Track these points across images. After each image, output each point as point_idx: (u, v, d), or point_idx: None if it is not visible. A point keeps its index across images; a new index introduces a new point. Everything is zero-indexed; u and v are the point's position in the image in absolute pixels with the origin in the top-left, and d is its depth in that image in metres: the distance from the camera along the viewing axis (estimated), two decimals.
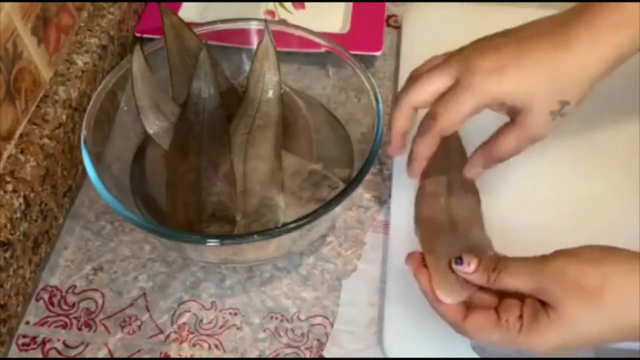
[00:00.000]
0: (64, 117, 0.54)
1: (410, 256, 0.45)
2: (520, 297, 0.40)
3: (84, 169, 0.48)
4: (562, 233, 0.45)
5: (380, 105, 0.51)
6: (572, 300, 0.37)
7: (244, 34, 0.59)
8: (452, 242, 0.46)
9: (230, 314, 0.50)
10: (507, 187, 0.54)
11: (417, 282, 0.43)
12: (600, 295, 0.37)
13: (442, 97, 0.45)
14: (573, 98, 0.44)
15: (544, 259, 0.40)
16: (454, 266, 0.42)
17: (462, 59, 0.45)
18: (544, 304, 0.39)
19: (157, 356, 0.48)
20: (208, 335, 0.49)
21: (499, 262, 0.41)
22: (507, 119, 0.46)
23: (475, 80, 0.44)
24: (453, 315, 0.42)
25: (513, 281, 0.40)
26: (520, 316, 0.39)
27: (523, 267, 0.40)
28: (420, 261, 0.44)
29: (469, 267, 0.42)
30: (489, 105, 0.44)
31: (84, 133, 0.49)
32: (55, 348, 0.48)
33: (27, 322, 0.50)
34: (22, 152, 0.50)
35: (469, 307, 0.42)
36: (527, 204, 0.54)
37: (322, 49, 0.57)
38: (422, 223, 0.49)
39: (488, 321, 0.40)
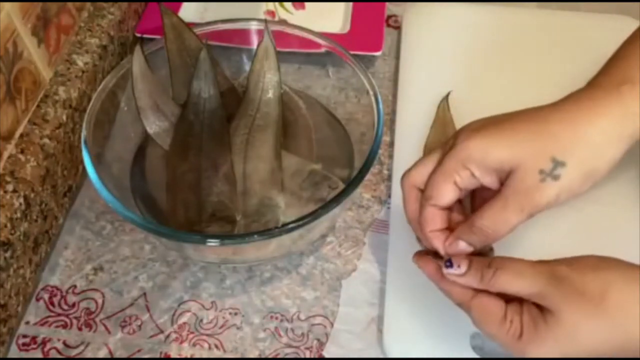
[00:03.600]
0: (64, 117, 0.54)
1: (417, 255, 0.44)
2: (519, 301, 0.39)
3: (84, 169, 0.48)
4: None
5: (380, 106, 0.51)
6: (574, 306, 0.37)
7: (244, 34, 0.59)
8: None
9: (230, 313, 0.50)
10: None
11: (423, 270, 0.43)
12: (602, 303, 0.36)
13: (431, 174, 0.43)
14: (570, 161, 0.39)
15: (544, 264, 0.38)
16: (444, 270, 0.41)
17: (453, 136, 0.43)
18: (542, 310, 0.38)
19: (157, 356, 0.48)
20: (208, 335, 0.49)
21: (494, 260, 0.39)
22: None
23: (459, 142, 0.41)
24: (460, 295, 0.41)
25: (513, 282, 0.38)
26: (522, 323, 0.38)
27: (525, 268, 0.38)
28: (425, 256, 0.43)
29: (460, 269, 0.40)
30: (475, 168, 0.41)
31: (84, 133, 0.49)
32: (55, 348, 0.49)
33: (27, 322, 0.50)
34: (22, 152, 0.51)
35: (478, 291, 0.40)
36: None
37: (322, 49, 0.57)
38: None
39: (495, 311, 0.39)
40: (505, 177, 0.41)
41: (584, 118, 0.40)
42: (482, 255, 0.44)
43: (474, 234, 0.41)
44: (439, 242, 0.42)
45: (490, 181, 0.41)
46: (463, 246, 0.41)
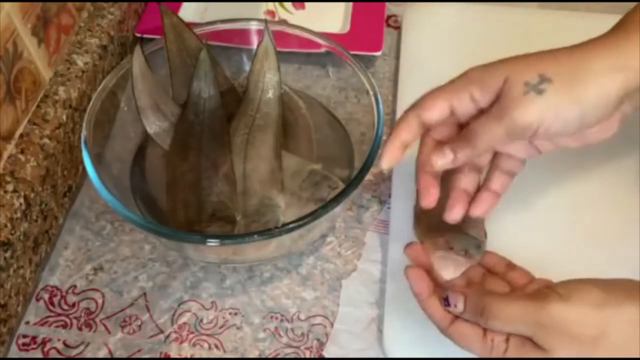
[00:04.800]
0: (64, 117, 0.54)
1: (409, 246, 0.45)
2: None
3: (84, 169, 0.48)
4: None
5: (380, 105, 0.51)
6: (567, 349, 0.36)
7: (244, 34, 0.59)
8: (450, 234, 0.47)
9: (230, 313, 0.50)
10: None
11: (410, 284, 0.43)
12: (596, 346, 0.36)
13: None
14: (558, 79, 0.39)
15: (539, 303, 0.37)
16: (444, 307, 0.42)
17: None
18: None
19: (157, 356, 0.48)
20: (208, 335, 0.49)
21: (485, 307, 0.39)
22: None
23: (463, 74, 0.43)
24: (439, 320, 0.42)
25: (503, 327, 0.38)
26: (507, 339, 0.39)
27: (515, 312, 0.38)
28: (418, 252, 0.45)
29: (457, 307, 0.40)
30: (475, 89, 0.42)
31: (84, 133, 0.49)
32: (55, 348, 0.49)
33: (27, 322, 0.50)
34: (22, 152, 0.51)
35: (457, 317, 0.41)
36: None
37: (322, 49, 0.57)
38: (421, 216, 0.49)
39: (473, 334, 0.40)
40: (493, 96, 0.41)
41: (580, 52, 0.41)
42: (474, 240, 0.46)
43: (460, 139, 0.42)
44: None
45: (487, 101, 0.42)
46: (447, 152, 0.42)
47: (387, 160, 0.44)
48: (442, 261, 0.45)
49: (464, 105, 0.42)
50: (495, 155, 0.46)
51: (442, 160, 0.42)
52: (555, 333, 0.37)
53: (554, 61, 0.41)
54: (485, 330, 0.40)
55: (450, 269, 0.45)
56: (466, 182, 0.46)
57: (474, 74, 0.42)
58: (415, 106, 0.44)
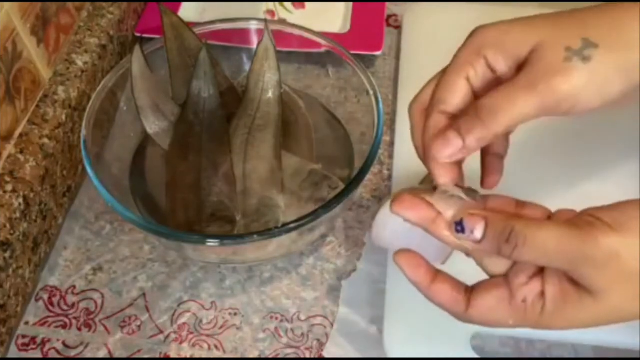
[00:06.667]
0: (63, 117, 0.54)
1: (397, 200, 0.35)
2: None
3: (83, 169, 0.48)
4: None
5: (380, 105, 0.51)
6: (622, 290, 0.30)
7: (244, 34, 0.59)
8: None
9: (230, 314, 0.50)
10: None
11: (404, 273, 0.37)
12: None
13: None
14: (603, 44, 0.33)
15: (585, 233, 0.30)
16: (455, 234, 0.33)
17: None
18: (574, 282, 0.31)
19: (157, 356, 0.48)
20: (208, 336, 0.49)
21: (514, 232, 0.31)
22: None
23: (472, 34, 0.36)
24: (453, 306, 0.35)
25: (537, 258, 0.31)
26: (542, 293, 0.32)
27: (553, 241, 0.31)
28: (409, 204, 0.35)
29: (474, 234, 0.33)
30: (492, 53, 0.35)
31: (83, 133, 0.49)
32: (54, 348, 0.48)
33: (27, 322, 0.50)
34: (21, 152, 0.50)
35: (472, 289, 0.35)
36: None
37: (322, 49, 0.57)
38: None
39: (499, 305, 0.33)
40: (523, 65, 0.35)
41: (623, 12, 0.34)
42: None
43: (470, 117, 0.34)
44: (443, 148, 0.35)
45: (505, 69, 0.35)
46: (452, 137, 0.34)
47: (443, 174, 0.36)
48: (444, 204, 0.35)
49: (480, 74, 0.36)
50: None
51: (449, 150, 0.34)
52: (609, 270, 0.30)
53: (595, 22, 0.34)
54: (510, 287, 0.33)
55: (453, 211, 0.35)
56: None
57: (487, 37, 0.36)
58: (434, 103, 0.37)
